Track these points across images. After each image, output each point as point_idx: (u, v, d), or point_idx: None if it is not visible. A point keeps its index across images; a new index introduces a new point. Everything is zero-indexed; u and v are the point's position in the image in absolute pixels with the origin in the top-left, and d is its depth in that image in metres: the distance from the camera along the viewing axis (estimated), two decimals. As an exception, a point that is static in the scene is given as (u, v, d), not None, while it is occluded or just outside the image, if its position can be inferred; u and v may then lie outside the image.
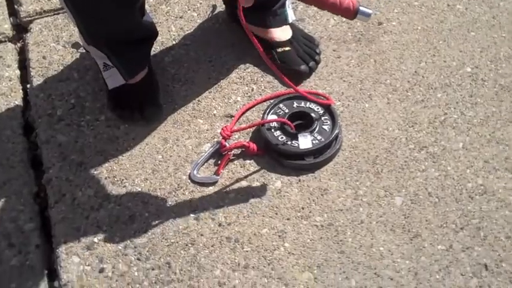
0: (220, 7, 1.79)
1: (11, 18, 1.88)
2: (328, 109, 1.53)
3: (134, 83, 1.59)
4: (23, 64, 1.77)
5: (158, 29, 1.71)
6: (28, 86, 1.72)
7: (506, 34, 1.70)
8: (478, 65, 1.64)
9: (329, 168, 1.48)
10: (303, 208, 1.43)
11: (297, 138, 1.49)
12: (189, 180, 1.48)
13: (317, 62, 1.64)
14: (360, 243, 1.37)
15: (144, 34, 1.59)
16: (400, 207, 1.41)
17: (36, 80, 1.70)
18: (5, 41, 1.84)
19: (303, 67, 1.61)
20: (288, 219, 1.41)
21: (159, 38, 1.69)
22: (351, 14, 1.31)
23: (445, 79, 1.62)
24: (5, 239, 1.44)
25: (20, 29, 1.86)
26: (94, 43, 1.54)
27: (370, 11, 1.31)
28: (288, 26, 1.66)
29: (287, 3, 1.64)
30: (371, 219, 1.40)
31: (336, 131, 1.50)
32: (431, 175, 1.45)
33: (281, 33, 1.64)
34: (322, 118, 1.52)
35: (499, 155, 1.47)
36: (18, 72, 1.76)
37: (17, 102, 1.68)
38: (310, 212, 1.42)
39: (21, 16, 1.86)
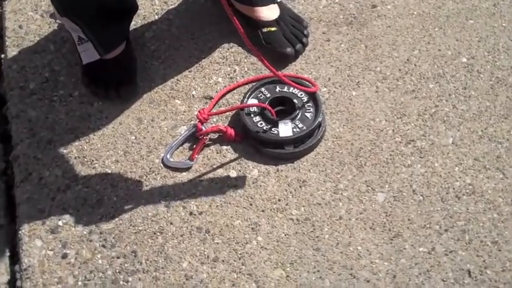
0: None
1: (-11, -17, 1.80)
2: (313, 95, 1.45)
3: (110, 59, 1.52)
4: (0, 33, 1.69)
5: (141, 2, 1.64)
6: (2, 56, 1.64)
7: (507, 24, 1.61)
8: (475, 56, 1.55)
9: (309, 159, 1.41)
10: (279, 200, 1.35)
11: (277, 125, 1.42)
12: (161, 165, 1.42)
13: (304, 45, 1.56)
14: (337, 240, 1.30)
15: (123, 6, 1.51)
16: (382, 204, 1.34)
17: (11, 50, 1.62)
18: (-19, 7, 1.76)
19: (289, 50, 1.53)
20: (262, 211, 1.34)
21: (140, 11, 1.61)
22: None
23: (438, 69, 1.53)
24: (-33, 217, 1.38)
25: (-1, -5, 1.77)
26: (67, 14, 1.45)
27: None
28: (275, 5, 1.57)
29: (276, -20, 1.55)
30: (350, 215, 1.33)
31: (319, 119, 1.42)
32: (417, 171, 1.38)
33: (268, 12, 1.55)
34: (306, 105, 1.45)
35: (491, 153, 1.40)
36: (-7, 40, 1.68)
37: (-11, 73, 1.61)
38: (286, 204, 1.35)
39: (0, -19, 1.77)
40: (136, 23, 1.63)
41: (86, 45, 1.49)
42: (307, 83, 1.48)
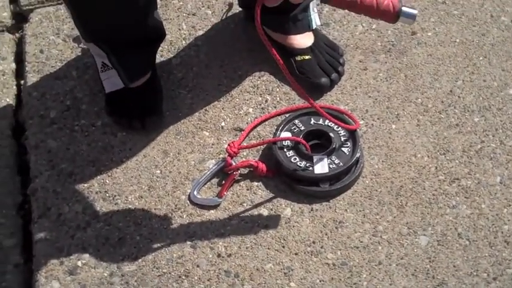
0: (238, 5, 1.62)
1: (11, 6, 1.75)
2: (351, 130, 1.37)
3: (135, 87, 1.45)
4: (20, 58, 1.63)
5: (168, 26, 1.58)
6: (22, 82, 1.57)
7: (556, 52, 1.52)
8: (523, 87, 1.46)
9: (346, 198, 1.32)
10: (313, 242, 1.27)
11: (312, 161, 1.34)
12: (188, 201, 1.34)
13: (340, 74, 1.48)
14: (376, 287, 1.21)
15: (150, 34, 1.44)
16: (425, 248, 1.25)
17: (31, 76, 1.56)
18: (3, 31, 1.71)
19: (324, 80, 1.45)
20: (296, 254, 1.26)
21: (167, 36, 1.54)
22: (392, 16, 1.14)
23: (484, 101, 1.44)
24: (-19, 254, 1.31)
25: (20, 18, 1.72)
26: (92, 39, 1.39)
27: (415, 12, 1.14)
28: (310, 32, 1.49)
29: (311, 6, 1.47)
30: (391, 260, 1.24)
31: (357, 155, 1.34)
32: (462, 213, 1.29)
33: (301, 40, 1.48)
34: (342, 139, 1.36)
35: (542, 194, 1.30)
36: (13, 65, 1.63)
37: (8, 100, 1.56)
38: (321, 247, 1.26)
39: (22, 4, 1.72)
40: (162, 48, 1.56)
41: (110, 73, 1.43)
42: (346, 117, 1.39)
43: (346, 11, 1.19)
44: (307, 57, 1.47)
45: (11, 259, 1.31)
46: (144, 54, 1.44)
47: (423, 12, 1.60)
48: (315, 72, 1.46)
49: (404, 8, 1.14)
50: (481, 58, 1.52)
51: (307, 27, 1.48)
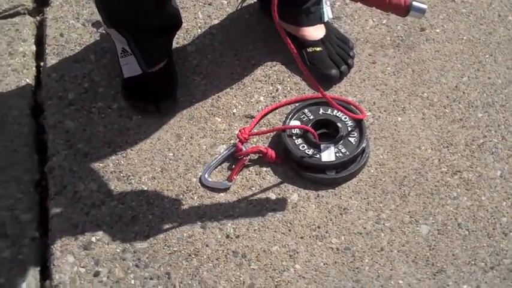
0: (253, -4, 1.67)
1: (32, -10, 1.79)
2: (357, 120, 1.41)
3: (151, 72, 1.49)
4: (40, 40, 1.67)
5: (184, 15, 1.62)
6: (42, 64, 1.62)
7: (560, 53, 1.56)
8: (526, 85, 1.50)
9: (351, 185, 1.36)
10: (319, 227, 1.31)
11: (319, 149, 1.38)
12: (199, 184, 1.38)
13: (349, 66, 1.52)
14: (377, 273, 1.25)
15: (168, 22, 1.48)
16: (426, 236, 1.29)
17: (51, 59, 1.60)
18: (24, 14, 1.75)
19: (334, 71, 1.49)
20: (301, 237, 1.30)
21: (184, 24, 1.58)
22: (403, 10, 1.18)
23: (488, 98, 1.48)
24: (-1, 228, 1.35)
25: (41, 1, 1.76)
26: (114, 25, 1.44)
27: (425, 6, 1.18)
28: (322, 25, 1.53)
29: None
30: (392, 247, 1.28)
31: (363, 145, 1.38)
32: (463, 204, 1.33)
33: (313, 32, 1.52)
34: (349, 129, 1.40)
35: (540, 188, 1.35)
36: (34, 48, 1.67)
37: (28, 81, 1.59)
38: (326, 232, 1.31)
39: (43, -12, 1.76)
40: (178, 36, 1.60)
41: (129, 59, 1.47)
42: (354, 108, 1.43)
43: (358, 4, 1.22)
44: (318, 49, 1.51)
45: (28, 233, 1.35)
46: (161, 42, 1.49)
47: (432, 10, 1.64)
48: (325, 64, 1.50)
49: (414, 3, 1.18)
50: (486, 56, 1.56)
51: (319, 19, 1.52)
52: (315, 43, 1.51)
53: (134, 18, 1.41)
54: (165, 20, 1.46)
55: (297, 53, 1.22)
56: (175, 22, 1.50)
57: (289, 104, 1.48)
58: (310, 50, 1.51)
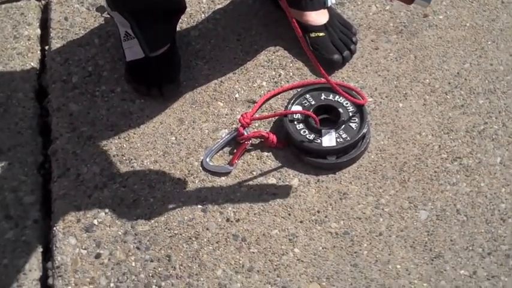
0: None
1: (37, -27, 1.79)
2: (359, 106, 1.41)
3: (154, 56, 1.50)
4: (45, 24, 1.68)
5: (188, 0, 1.61)
6: (46, 47, 1.63)
7: None
8: (528, 72, 1.50)
9: (351, 171, 1.37)
10: (318, 211, 1.32)
11: (320, 134, 1.39)
12: (200, 168, 1.39)
13: (352, 52, 1.52)
14: (375, 257, 1.27)
15: (172, 6, 1.49)
16: (424, 222, 1.30)
17: (55, 42, 1.61)
18: (29, -3, 1.75)
19: (336, 56, 1.49)
20: (301, 222, 1.31)
21: (187, 9, 1.59)
22: None
23: (489, 84, 1.49)
24: (3, 209, 1.38)
25: (46, -16, 1.76)
26: (118, 8, 1.44)
27: None
28: (325, 10, 1.54)
29: (327, -15, 1.52)
30: (391, 232, 1.29)
31: (364, 130, 1.39)
32: (462, 190, 1.34)
33: (316, 17, 1.52)
34: (350, 114, 1.41)
35: (540, 175, 1.35)
36: (38, 31, 1.67)
37: (33, 64, 1.60)
38: (325, 216, 1.32)
39: (48, -28, 1.76)
40: (182, 20, 1.61)
41: (132, 42, 1.48)
42: (355, 93, 1.44)
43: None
44: (321, 34, 1.51)
45: (31, 215, 1.36)
46: (165, 26, 1.49)
47: (436, -4, 1.64)
48: (328, 49, 1.50)
49: None
50: (489, 42, 1.56)
51: (322, 4, 1.52)
52: (318, 28, 1.52)
53: (138, 2, 1.42)
54: (169, 3, 1.47)
55: (302, 35, 1.23)
56: (179, 6, 1.51)
57: (291, 89, 1.49)
58: (313, 35, 1.51)
